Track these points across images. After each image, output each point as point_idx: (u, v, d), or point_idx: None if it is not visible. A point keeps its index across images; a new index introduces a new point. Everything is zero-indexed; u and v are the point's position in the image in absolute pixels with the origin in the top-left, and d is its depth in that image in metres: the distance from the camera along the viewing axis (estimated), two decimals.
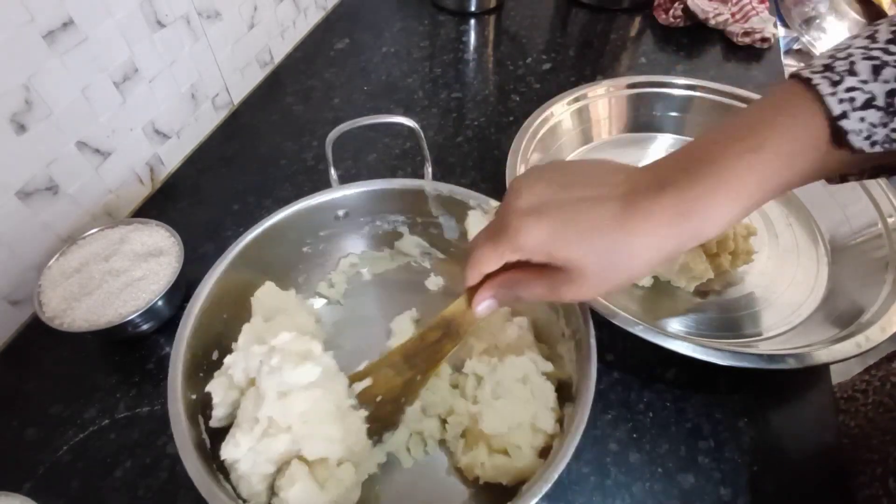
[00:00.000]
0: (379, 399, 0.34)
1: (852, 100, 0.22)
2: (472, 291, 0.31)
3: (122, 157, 0.50)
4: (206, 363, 0.34)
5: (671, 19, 0.76)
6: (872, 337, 0.37)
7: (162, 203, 0.54)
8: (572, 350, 0.34)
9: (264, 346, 0.31)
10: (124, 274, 0.41)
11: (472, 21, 0.79)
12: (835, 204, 0.50)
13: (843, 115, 0.22)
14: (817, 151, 0.23)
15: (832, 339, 0.38)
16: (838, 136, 0.22)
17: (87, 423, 0.39)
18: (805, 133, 0.23)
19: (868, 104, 0.21)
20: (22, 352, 0.43)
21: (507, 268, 0.29)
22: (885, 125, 0.21)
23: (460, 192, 0.40)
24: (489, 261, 0.29)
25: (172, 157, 0.56)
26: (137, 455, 0.37)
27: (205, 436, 0.31)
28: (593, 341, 0.32)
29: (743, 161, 0.24)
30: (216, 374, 0.33)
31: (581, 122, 0.57)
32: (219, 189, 0.55)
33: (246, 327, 0.34)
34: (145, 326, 0.42)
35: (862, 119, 0.21)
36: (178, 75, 0.54)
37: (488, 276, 0.30)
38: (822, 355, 0.37)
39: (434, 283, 0.45)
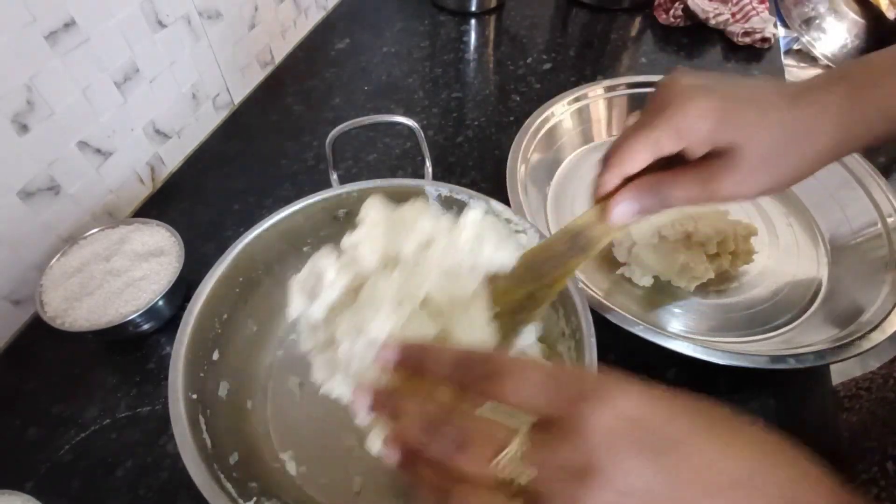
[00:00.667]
0: (496, 311, 0.28)
1: None
2: (606, 200, 0.26)
3: (122, 157, 0.50)
4: (206, 363, 0.34)
5: (671, 19, 0.76)
6: (872, 337, 0.37)
7: (162, 203, 0.54)
8: (572, 349, 0.34)
9: (439, 219, 0.27)
10: (125, 274, 0.41)
11: (473, 21, 0.79)
12: (835, 204, 0.50)
13: None
14: None
15: (832, 340, 0.39)
16: None
17: (88, 422, 0.39)
18: None
19: None
20: (24, 351, 0.43)
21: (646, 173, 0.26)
22: None
23: (460, 191, 0.40)
24: (639, 153, 0.25)
25: (173, 156, 0.56)
26: (138, 455, 0.37)
27: (205, 435, 0.31)
28: (593, 340, 0.32)
29: None
30: (318, 255, 0.27)
31: (581, 122, 0.57)
32: (219, 189, 0.55)
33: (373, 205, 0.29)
34: (146, 326, 0.42)
35: None
36: (179, 75, 0.54)
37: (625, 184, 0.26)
38: (822, 355, 0.37)
39: None
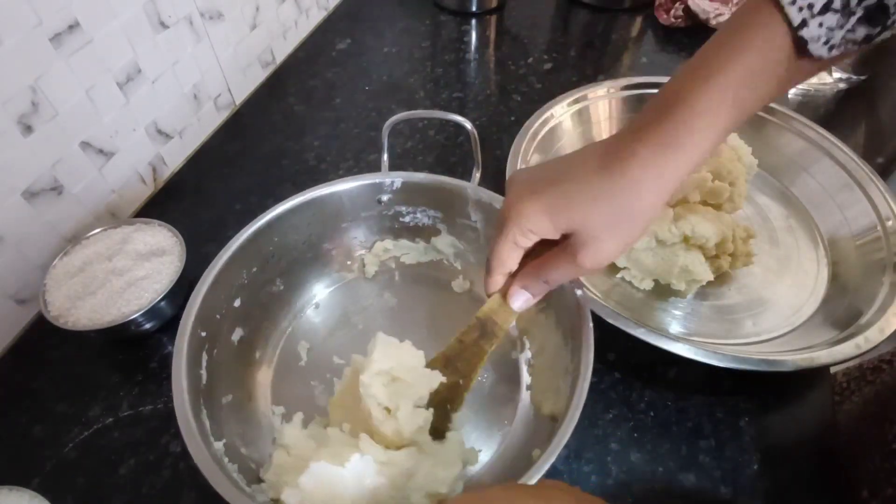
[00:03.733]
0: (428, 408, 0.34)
1: (811, 6, 0.22)
2: (504, 290, 0.32)
3: (125, 158, 0.50)
4: (226, 307, 0.37)
5: (672, 19, 0.76)
6: (871, 338, 0.38)
7: (164, 203, 0.54)
8: (568, 387, 0.33)
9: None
10: (127, 273, 0.41)
11: (474, 21, 0.79)
12: (834, 206, 0.50)
13: (804, 24, 0.23)
14: (781, 65, 0.24)
15: (832, 341, 0.39)
16: (800, 47, 0.23)
17: (91, 420, 0.39)
18: (768, 48, 0.24)
19: (826, 8, 0.22)
20: (28, 350, 0.43)
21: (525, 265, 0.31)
22: (841, 27, 0.23)
23: (501, 200, 0.40)
24: (508, 256, 0.30)
25: (175, 157, 0.57)
26: (141, 453, 0.37)
27: (203, 371, 0.34)
28: (585, 384, 0.30)
29: (710, 86, 0.25)
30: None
31: (581, 124, 0.57)
32: (221, 189, 0.55)
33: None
34: (148, 325, 0.42)
35: (820, 25, 0.22)
36: (181, 76, 0.54)
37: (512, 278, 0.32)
38: (822, 357, 0.37)
39: (460, 285, 0.45)
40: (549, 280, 0.30)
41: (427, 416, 0.32)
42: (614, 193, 0.26)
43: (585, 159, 0.28)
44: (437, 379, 0.33)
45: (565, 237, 0.28)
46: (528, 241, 0.29)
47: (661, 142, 0.25)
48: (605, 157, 0.27)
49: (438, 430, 0.34)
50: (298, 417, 0.35)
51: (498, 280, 0.31)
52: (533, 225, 0.28)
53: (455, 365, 0.34)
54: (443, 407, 0.34)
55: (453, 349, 0.34)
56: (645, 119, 0.26)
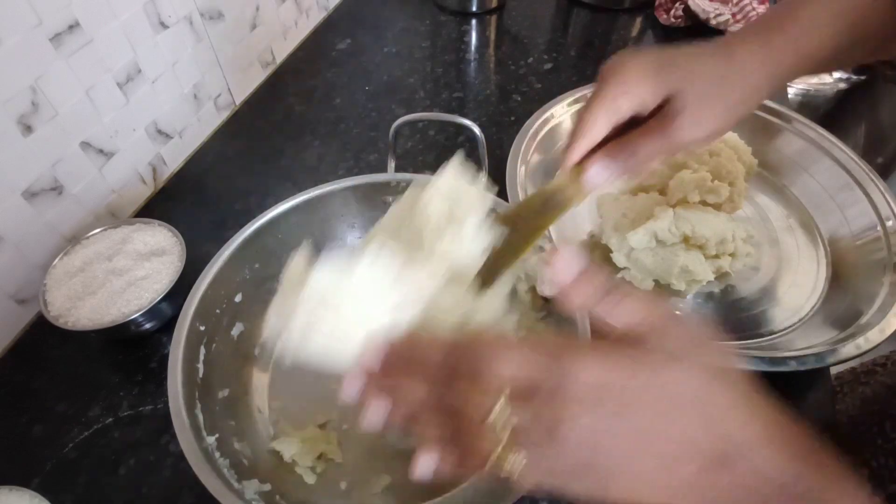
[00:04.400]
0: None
1: None
2: (579, 166, 0.29)
3: (125, 158, 0.50)
4: (226, 302, 0.37)
5: (672, 19, 0.75)
6: (871, 338, 0.38)
7: (164, 203, 0.54)
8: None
9: None
10: (127, 273, 0.41)
11: (474, 21, 0.79)
12: (834, 206, 0.50)
13: None
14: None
15: (832, 341, 0.39)
16: None
17: (91, 420, 0.39)
18: None
19: None
20: (29, 350, 0.43)
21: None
22: None
23: (507, 207, 0.40)
24: (600, 119, 0.27)
25: (175, 157, 0.57)
26: (141, 453, 0.37)
27: (200, 364, 0.34)
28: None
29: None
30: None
31: None
32: (221, 189, 0.55)
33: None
34: (148, 325, 0.42)
35: None
36: (181, 76, 0.54)
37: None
38: (822, 357, 0.37)
39: None
40: (636, 152, 0.27)
41: (488, 239, 0.27)
42: (720, 64, 0.27)
43: (692, 48, 0.28)
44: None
45: (660, 110, 0.27)
46: (624, 105, 0.27)
47: (768, 40, 0.28)
48: (713, 45, 0.28)
49: (485, 284, 0.29)
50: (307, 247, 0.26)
51: (581, 148, 0.28)
52: (633, 84, 0.26)
53: (513, 222, 0.30)
54: (494, 264, 0.29)
55: (516, 211, 0.31)
56: (752, 25, 0.29)
